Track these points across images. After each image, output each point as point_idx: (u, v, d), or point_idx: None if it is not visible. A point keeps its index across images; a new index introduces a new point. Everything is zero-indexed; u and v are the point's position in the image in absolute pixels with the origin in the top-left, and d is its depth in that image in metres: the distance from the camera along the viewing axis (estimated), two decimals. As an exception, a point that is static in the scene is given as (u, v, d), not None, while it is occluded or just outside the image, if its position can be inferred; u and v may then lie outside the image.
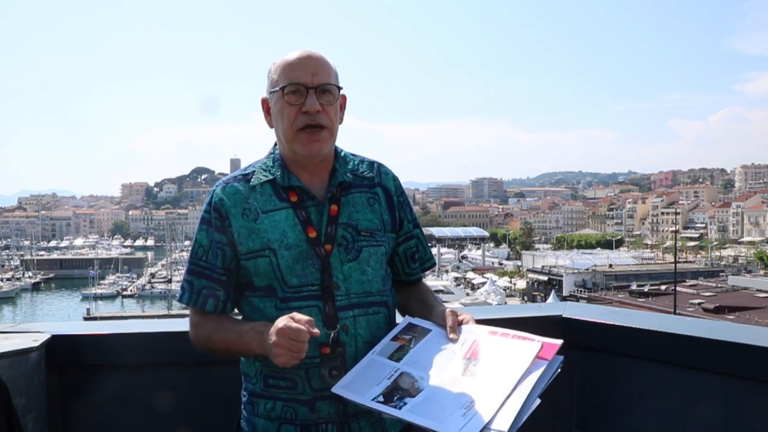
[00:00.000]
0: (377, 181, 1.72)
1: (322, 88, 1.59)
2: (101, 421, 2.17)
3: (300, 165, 1.65)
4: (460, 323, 1.61)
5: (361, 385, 1.48)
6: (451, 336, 1.57)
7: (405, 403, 1.41)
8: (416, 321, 1.64)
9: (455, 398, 1.41)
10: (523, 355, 1.48)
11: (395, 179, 1.76)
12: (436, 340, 1.58)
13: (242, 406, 1.68)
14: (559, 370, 1.48)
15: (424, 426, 1.36)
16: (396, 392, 1.44)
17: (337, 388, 1.48)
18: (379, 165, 1.76)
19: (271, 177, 1.65)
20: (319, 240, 1.60)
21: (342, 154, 1.72)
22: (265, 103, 1.68)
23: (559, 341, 1.51)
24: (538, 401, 1.41)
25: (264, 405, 1.61)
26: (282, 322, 1.42)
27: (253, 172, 1.67)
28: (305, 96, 1.58)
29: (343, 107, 1.69)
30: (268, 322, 1.49)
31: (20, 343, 2.00)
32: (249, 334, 1.52)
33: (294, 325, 1.41)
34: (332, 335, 1.56)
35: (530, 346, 1.51)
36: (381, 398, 1.43)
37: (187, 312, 1.70)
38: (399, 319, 1.69)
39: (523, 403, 1.38)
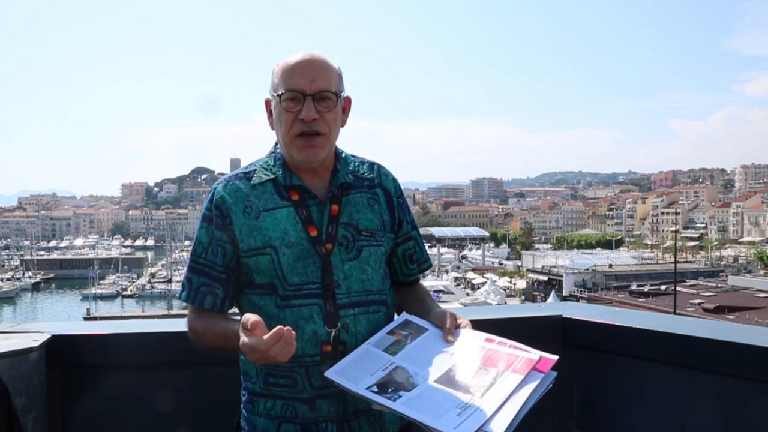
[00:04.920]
0: (377, 182, 1.73)
1: (320, 95, 1.59)
2: (101, 421, 2.17)
3: (300, 167, 1.65)
4: (458, 326, 1.61)
5: (355, 373, 1.47)
6: (448, 338, 1.57)
7: (399, 396, 1.40)
8: (413, 318, 1.65)
9: (451, 397, 1.41)
10: (520, 365, 1.49)
11: (395, 181, 1.77)
12: (433, 339, 1.58)
13: (242, 406, 1.68)
14: (551, 385, 1.48)
15: (418, 421, 1.35)
16: (390, 384, 1.44)
17: (330, 373, 1.47)
18: (379, 166, 1.77)
19: (272, 176, 1.65)
20: (320, 239, 1.60)
21: (343, 155, 1.72)
22: (268, 104, 1.68)
23: (555, 357, 1.51)
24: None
25: (264, 404, 1.61)
26: (242, 340, 1.38)
27: (255, 170, 1.68)
28: (302, 103, 1.58)
29: (346, 110, 1.70)
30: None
31: (20, 343, 2.00)
32: (233, 341, 1.46)
33: (248, 343, 1.36)
34: (333, 333, 1.56)
35: (528, 356, 1.51)
36: (375, 388, 1.43)
37: (186, 312, 1.70)
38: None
39: (517, 411, 1.38)
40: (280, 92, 1.60)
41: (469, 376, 1.47)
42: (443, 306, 1.76)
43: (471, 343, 1.56)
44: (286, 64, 1.61)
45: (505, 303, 42.33)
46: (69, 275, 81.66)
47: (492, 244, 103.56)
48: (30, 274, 76.52)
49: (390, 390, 1.42)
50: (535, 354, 1.51)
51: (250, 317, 1.39)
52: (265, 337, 1.35)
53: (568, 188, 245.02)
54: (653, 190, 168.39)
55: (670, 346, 2.01)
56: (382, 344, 1.55)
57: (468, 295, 48.22)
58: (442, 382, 1.45)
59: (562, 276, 53.96)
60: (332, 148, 1.67)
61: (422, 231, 1.89)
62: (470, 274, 63.91)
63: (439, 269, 63.61)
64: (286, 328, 1.35)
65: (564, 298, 43.56)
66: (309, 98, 1.58)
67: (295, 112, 1.59)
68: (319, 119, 1.59)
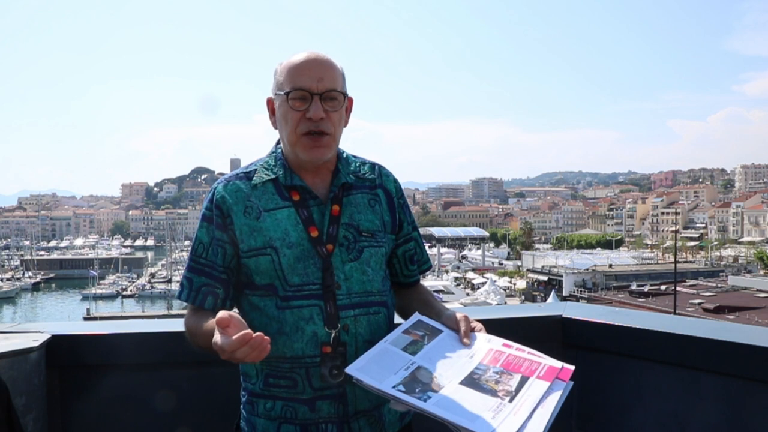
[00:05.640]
0: (378, 183, 1.73)
1: (328, 94, 1.58)
2: (101, 421, 2.17)
3: (302, 166, 1.65)
4: (473, 330, 1.60)
5: (377, 371, 1.42)
6: (465, 341, 1.56)
7: (429, 397, 1.37)
8: (426, 319, 1.62)
9: (482, 400, 1.37)
10: (544, 372, 1.48)
11: (395, 181, 1.77)
12: (450, 341, 1.55)
13: (241, 406, 1.68)
14: (566, 395, 1.46)
15: (454, 422, 1.31)
16: (416, 384, 1.40)
17: (351, 370, 1.43)
18: (380, 167, 1.76)
19: (273, 176, 1.65)
20: (320, 239, 1.59)
21: (344, 155, 1.72)
22: (270, 103, 1.67)
23: (572, 367, 1.51)
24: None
25: (264, 405, 1.61)
26: (213, 339, 1.36)
27: (255, 170, 1.67)
28: (310, 102, 1.57)
29: (349, 110, 1.69)
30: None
31: (20, 343, 2.00)
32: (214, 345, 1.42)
33: (220, 343, 1.33)
34: (333, 334, 1.55)
35: (551, 364, 1.50)
36: (402, 387, 1.38)
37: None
38: (398, 320, 1.68)
39: (549, 417, 1.36)
40: (286, 90, 1.59)
41: (494, 381, 1.44)
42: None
43: (489, 347, 1.54)
44: (292, 63, 1.60)
45: (505, 303, 42.30)
46: (69, 275, 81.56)
47: (492, 244, 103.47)
48: (30, 274, 76.49)
49: (417, 390, 1.38)
50: (557, 362, 1.50)
51: (221, 313, 1.34)
52: (234, 337, 1.31)
53: (568, 188, 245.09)
54: (653, 190, 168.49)
55: (670, 346, 2.01)
56: (400, 343, 1.52)
57: (468, 295, 48.12)
58: (467, 385, 1.42)
59: (562, 276, 53.87)
60: (337, 147, 1.66)
61: (422, 231, 1.88)
62: (470, 274, 63.79)
63: (439, 269, 63.55)
64: (257, 334, 1.31)
65: (564, 298, 43.51)
66: (316, 97, 1.57)
67: (302, 111, 1.58)
68: (326, 119, 1.58)
